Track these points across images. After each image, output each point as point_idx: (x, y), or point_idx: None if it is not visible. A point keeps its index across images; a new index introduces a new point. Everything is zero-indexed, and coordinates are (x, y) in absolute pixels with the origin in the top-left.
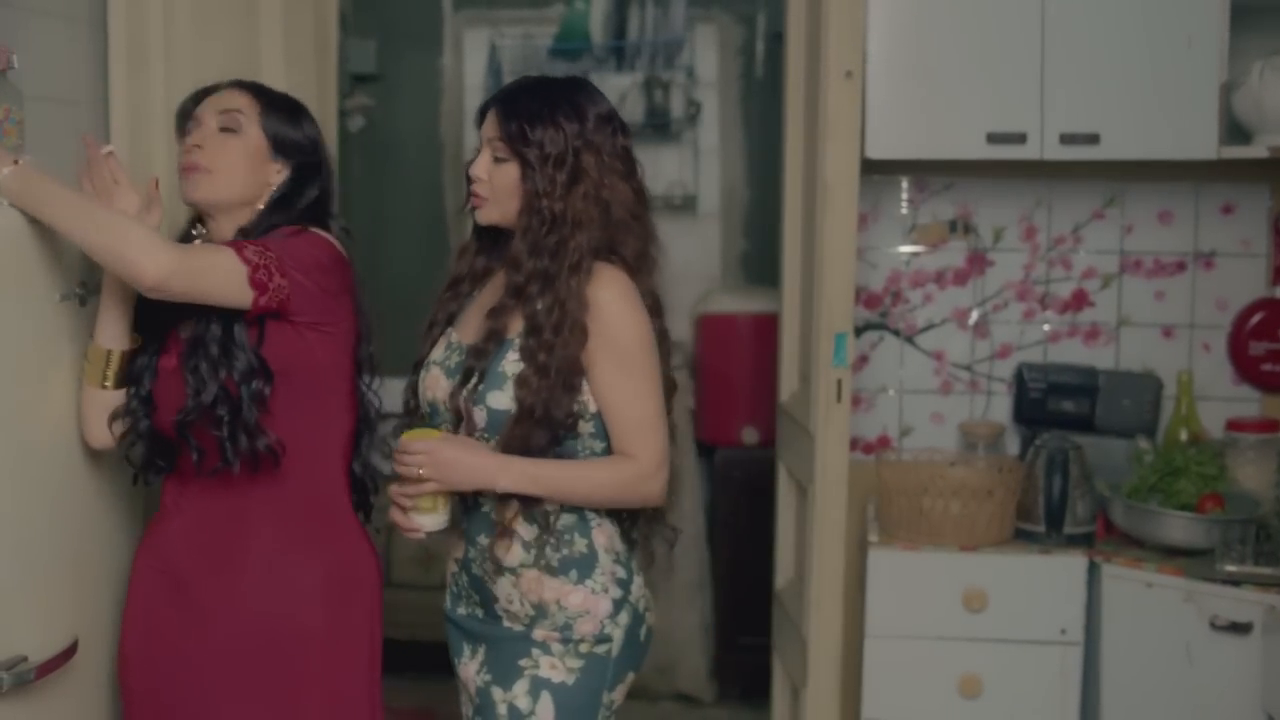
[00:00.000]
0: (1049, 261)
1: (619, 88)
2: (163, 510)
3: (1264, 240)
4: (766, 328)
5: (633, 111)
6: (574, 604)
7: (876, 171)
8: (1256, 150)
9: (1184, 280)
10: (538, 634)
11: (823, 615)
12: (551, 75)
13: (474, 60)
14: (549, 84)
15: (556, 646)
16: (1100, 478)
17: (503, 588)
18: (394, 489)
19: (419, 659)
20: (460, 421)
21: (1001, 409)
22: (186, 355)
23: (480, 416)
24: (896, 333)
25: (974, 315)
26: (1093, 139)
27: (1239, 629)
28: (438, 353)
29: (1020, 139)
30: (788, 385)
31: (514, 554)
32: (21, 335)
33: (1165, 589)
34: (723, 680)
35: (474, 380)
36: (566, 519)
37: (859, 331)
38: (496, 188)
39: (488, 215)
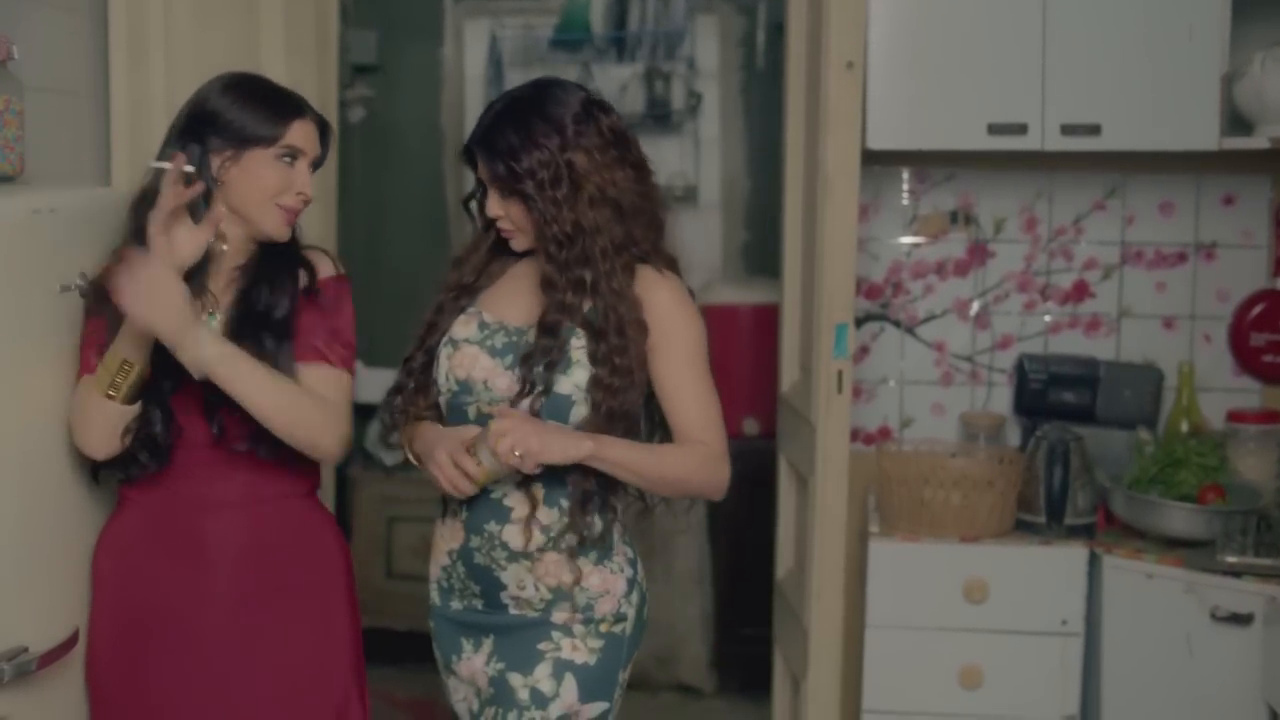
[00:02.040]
0: (1050, 252)
1: (619, 79)
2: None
3: (1265, 231)
4: (767, 318)
5: (633, 102)
6: (595, 585)
7: (877, 162)
8: (1258, 141)
9: (1185, 271)
10: (557, 617)
11: (823, 606)
12: (517, 88)
13: (475, 51)
14: (517, 104)
15: (578, 628)
16: (1101, 469)
17: (513, 574)
18: (456, 461)
19: (418, 649)
20: (498, 401)
21: (1002, 400)
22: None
23: (539, 401)
24: (897, 324)
25: (975, 306)
26: (1094, 130)
27: (1240, 620)
28: (466, 330)
29: (1021, 130)
30: (788, 376)
31: (533, 539)
32: (21, 326)
33: (1166, 580)
34: (723, 671)
35: (543, 363)
36: (594, 502)
37: (860, 322)
38: (515, 221)
39: (522, 244)
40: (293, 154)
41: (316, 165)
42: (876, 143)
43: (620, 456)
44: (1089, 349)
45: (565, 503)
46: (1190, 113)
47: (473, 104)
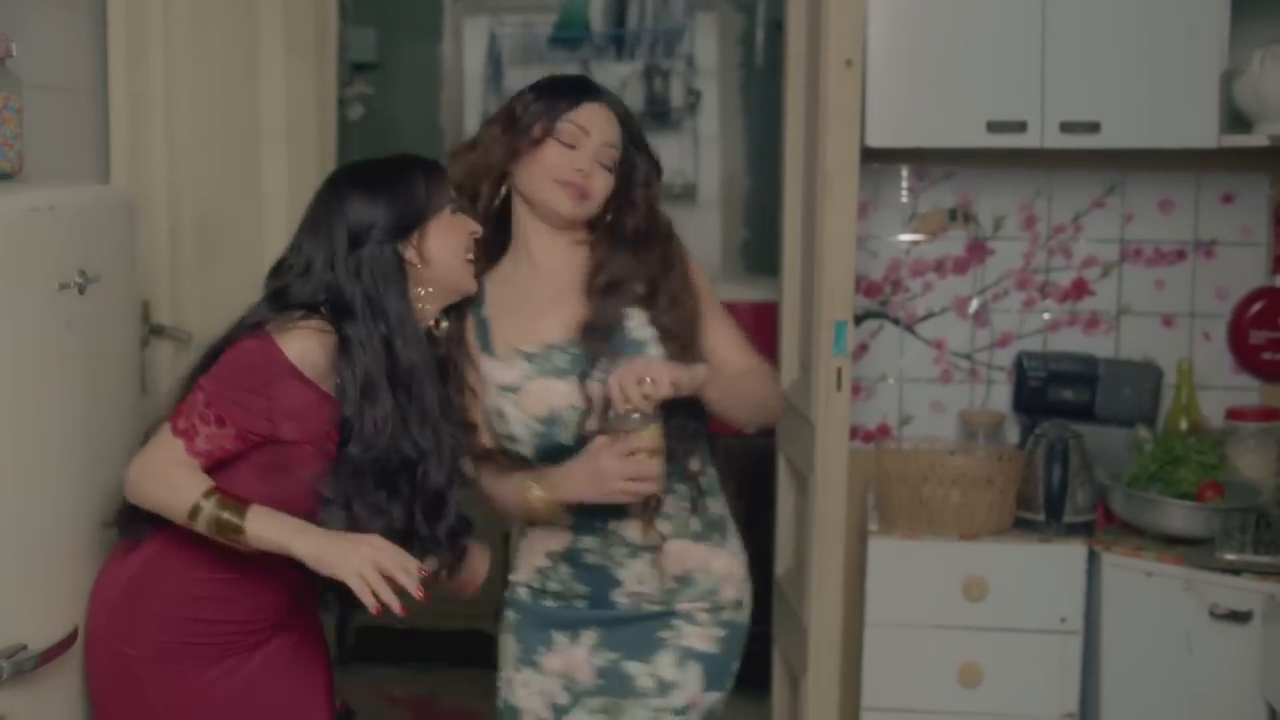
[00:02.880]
0: (1049, 250)
1: (618, 76)
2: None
3: (1264, 229)
4: (767, 316)
5: (632, 100)
6: (718, 568)
7: (876, 160)
8: (1257, 139)
9: (1184, 269)
10: (681, 606)
11: (822, 604)
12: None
13: (474, 49)
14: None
15: (702, 616)
16: (1100, 466)
17: (633, 569)
18: (632, 473)
19: (418, 648)
20: (585, 415)
21: (1001, 398)
22: None
23: None
24: (896, 321)
25: (974, 304)
26: (1093, 127)
27: (1238, 618)
28: (515, 371)
29: (1020, 127)
30: (788, 374)
31: (655, 529)
32: (20, 324)
33: (1165, 578)
34: None
35: (609, 358)
36: (708, 479)
37: (859, 320)
38: (598, 196)
39: (588, 210)
40: (456, 204)
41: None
42: (876, 140)
43: (719, 378)
44: (1088, 347)
45: (682, 487)
46: (1189, 110)
47: (472, 102)
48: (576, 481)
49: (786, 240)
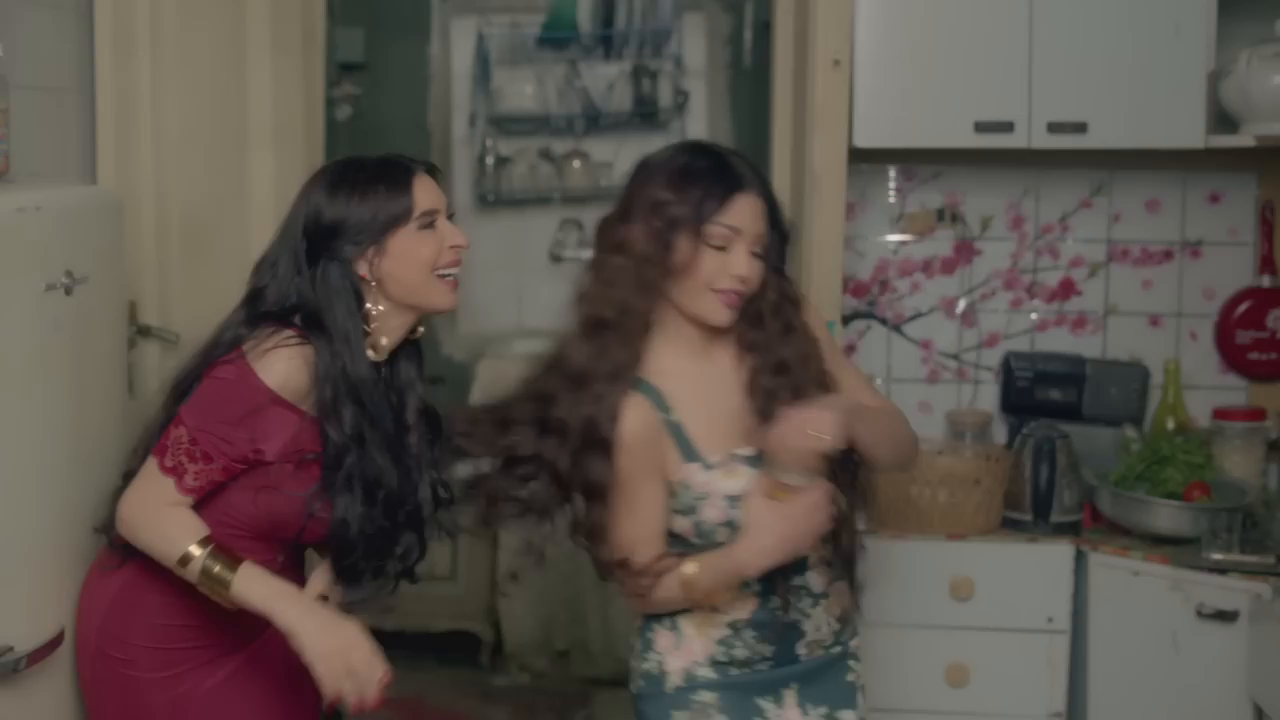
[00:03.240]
0: (1036, 250)
1: (606, 76)
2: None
3: (1251, 229)
4: None
5: (620, 100)
6: (856, 600)
7: (864, 160)
8: (1244, 139)
9: (1171, 269)
10: (852, 644)
11: None
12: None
13: (462, 49)
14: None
15: (858, 650)
16: (1087, 466)
17: (815, 619)
18: (819, 524)
19: (406, 648)
20: None
21: (989, 398)
22: None
23: None
24: (884, 321)
25: (961, 304)
26: (1080, 128)
27: (1225, 617)
28: (738, 478)
29: (1008, 128)
30: None
31: (825, 576)
32: (6, 325)
33: (1152, 577)
34: None
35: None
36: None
37: (846, 320)
38: (757, 282)
39: (732, 317)
40: (429, 217)
41: (450, 213)
42: (863, 141)
43: (866, 412)
44: (1075, 346)
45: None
46: (1176, 110)
47: (460, 102)
48: (764, 551)
49: None
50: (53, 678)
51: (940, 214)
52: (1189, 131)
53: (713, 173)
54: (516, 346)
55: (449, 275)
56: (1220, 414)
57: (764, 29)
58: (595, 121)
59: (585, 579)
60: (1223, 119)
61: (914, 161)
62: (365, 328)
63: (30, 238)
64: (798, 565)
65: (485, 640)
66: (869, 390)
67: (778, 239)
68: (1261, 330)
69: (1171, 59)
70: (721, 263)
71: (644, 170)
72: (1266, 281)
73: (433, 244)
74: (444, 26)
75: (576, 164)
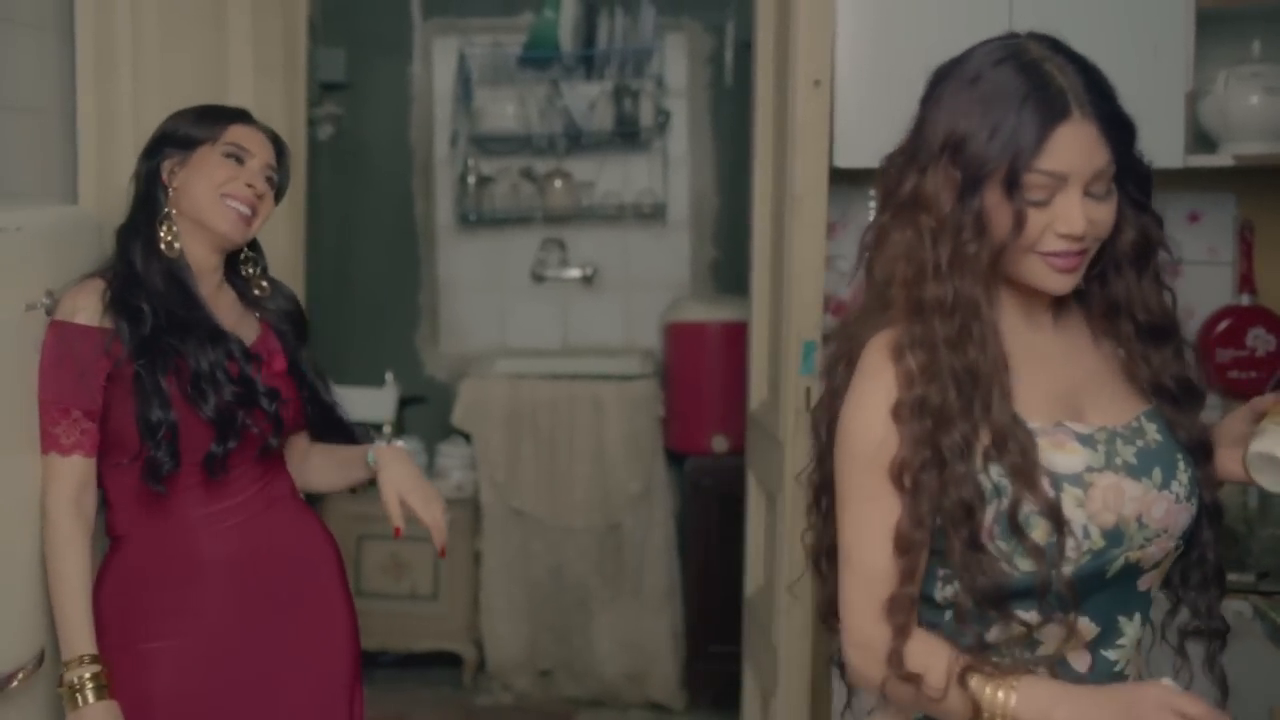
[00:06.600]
0: None
1: (588, 96)
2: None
3: (1230, 248)
4: (736, 336)
5: (602, 120)
6: None
7: (845, 180)
8: (1222, 159)
9: None
10: None
11: (792, 623)
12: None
13: (443, 69)
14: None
15: None
16: None
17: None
18: None
19: (388, 667)
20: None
21: None
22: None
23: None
24: None
25: None
26: None
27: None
28: (1075, 456)
29: None
30: (757, 393)
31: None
32: None
33: None
34: (693, 688)
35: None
36: None
37: (827, 340)
38: (1101, 233)
39: (1071, 283)
40: (239, 153)
41: (280, 190)
42: (844, 161)
43: None
44: None
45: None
46: (1155, 130)
47: (442, 121)
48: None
49: (756, 260)
50: (32, 699)
51: None
52: (1168, 151)
53: (1024, 97)
54: (499, 366)
55: (237, 207)
56: None
57: (745, 49)
58: (577, 141)
59: (568, 598)
60: (1201, 139)
61: None
62: (160, 232)
63: (10, 258)
64: (1143, 607)
65: (468, 660)
66: None
67: (1132, 162)
68: (1241, 349)
69: (1149, 79)
70: (1047, 218)
71: (940, 83)
72: (1246, 300)
73: (229, 170)
74: (426, 46)
75: (558, 183)
